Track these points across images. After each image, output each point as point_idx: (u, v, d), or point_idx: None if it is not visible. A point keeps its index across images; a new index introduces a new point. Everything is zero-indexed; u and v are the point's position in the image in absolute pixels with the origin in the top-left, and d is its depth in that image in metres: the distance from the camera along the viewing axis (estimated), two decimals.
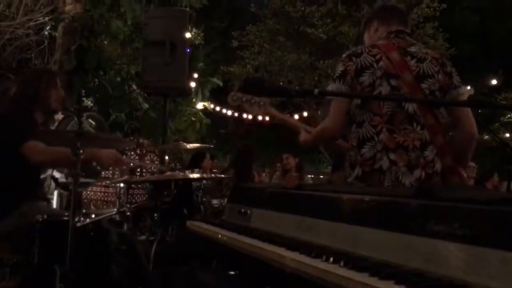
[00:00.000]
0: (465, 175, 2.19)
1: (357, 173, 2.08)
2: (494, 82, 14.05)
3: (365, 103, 2.11)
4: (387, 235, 1.14)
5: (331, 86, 2.17)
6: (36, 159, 2.61)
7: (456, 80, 2.19)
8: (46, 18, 6.15)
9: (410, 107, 2.06)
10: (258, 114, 3.25)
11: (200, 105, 9.29)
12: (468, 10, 18.63)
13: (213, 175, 4.04)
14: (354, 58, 2.13)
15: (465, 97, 2.21)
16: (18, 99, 2.82)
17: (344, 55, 2.20)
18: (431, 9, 12.64)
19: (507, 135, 14.61)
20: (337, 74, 2.17)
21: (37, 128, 2.76)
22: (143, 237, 2.73)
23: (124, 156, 5.12)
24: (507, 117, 15.42)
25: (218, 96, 11.78)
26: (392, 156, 2.03)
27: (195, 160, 6.38)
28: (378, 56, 2.11)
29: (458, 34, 15.43)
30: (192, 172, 3.12)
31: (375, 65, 2.09)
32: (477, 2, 18.17)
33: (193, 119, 8.72)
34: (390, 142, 2.03)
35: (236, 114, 12.26)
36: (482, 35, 18.78)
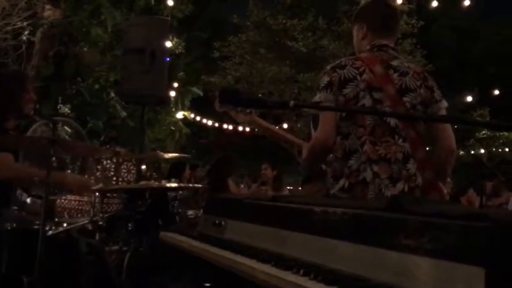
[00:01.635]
0: (445, 190, 2.20)
1: (343, 185, 2.07)
2: (469, 99, 14.33)
3: (350, 115, 2.12)
4: (359, 248, 1.14)
5: (318, 97, 2.15)
6: (3, 175, 2.53)
7: (437, 94, 2.21)
8: (25, 23, 6.06)
9: (392, 120, 2.07)
10: (244, 122, 3.26)
11: (180, 115, 9.25)
12: (445, 28, 19.06)
13: (188, 185, 4.00)
14: (338, 70, 2.14)
15: (445, 112, 2.23)
16: None
17: (328, 67, 2.21)
18: (409, 26, 12.89)
19: (482, 151, 14.90)
20: (323, 85, 2.16)
21: (8, 134, 2.68)
22: (116, 247, 2.69)
23: (100, 166, 5.07)
24: (482, 133, 15.73)
25: (198, 106, 11.75)
26: (375, 168, 2.03)
27: (175, 170, 6.33)
28: (361, 69, 2.12)
29: (436, 51, 15.76)
30: (167, 181, 3.08)
31: (358, 78, 2.11)
32: (454, 21, 18.61)
33: (172, 128, 8.67)
34: (373, 154, 2.04)
35: (216, 124, 12.24)
36: (458, 53, 19.24)
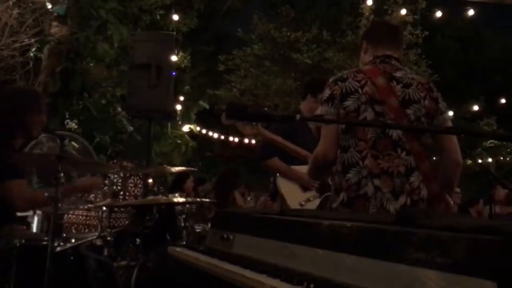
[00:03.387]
0: (451, 202, 2.19)
1: (342, 199, 2.07)
2: (475, 108, 14.30)
3: (350, 128, 2.11)
4: (368, 262, 1.13)
5: (320, 110, 2.16)
6: (19, 204, 2.49)
7: (442, 105, 2.18)
8: (32, 40, 6.14)
9: (395, 133, 2.05)
10: (251, 134, 3.28)
11: (186, 128, 9.29)
12: (450, 38, 19.07)
13: (196, 199, 4.00)
14: (339, 83, 2.14)
15: (450, 124, 2.22)
16: None
17: (330, 80, 2.20)
18: (414, 36, 12.91)
19: (490, 160, 14.81)
20: (324, 98, 2.16)
21: (15, 151, 2.66)
22: (124, 263, 2.68)
23: (107, 180, 5.09)
24: (489, 142, 15.65)
25: (204, 119, 11.80)
26: (377, 182, 2.02)
27: (178, 181, 6.34)
28: (363, 82, 2.11)
29: (441, 61, 15.76)
30: (175, 196, 3.08)
31: (360, 90, 2.09)
32: (458, 31, 18.62)
33: (178, 141, 8.71)
34: (375, 168, 2.02)
35: (222, 137, 12.28)
36: (463, 62, 19.22)
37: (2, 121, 2.63)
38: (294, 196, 3.48)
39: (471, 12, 7.85)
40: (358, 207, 2.01)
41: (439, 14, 8.92)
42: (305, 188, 3.46)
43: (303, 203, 3.47)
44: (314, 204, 3.47)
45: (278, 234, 1.53)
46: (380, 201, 2.00)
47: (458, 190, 6.98)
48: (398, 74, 2.17)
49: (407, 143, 2.04)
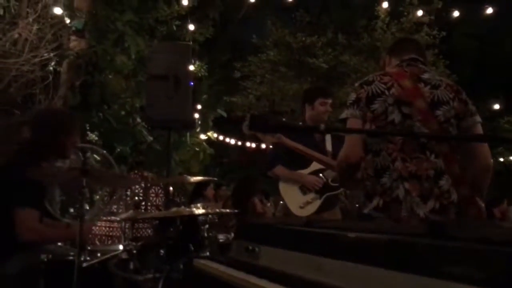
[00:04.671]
0: (482, 205, 2.14)
1: (377, 204, 2.04)
2: (496, 106, 14.06)
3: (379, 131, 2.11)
4: (399, 276, 1.11)
5: (345, 113, 2.14)
6: (24, 235, 2.38)
7: (472, 108, 2.15)
8: (51, 54, 6.24)
9: None
10: (272, 142, 3.33)
11: (203, 135, 9.33)
12: (466, 37, 18.82)
13: (220, 210, 4.00)
14: (365, 86, 2.13)
15: (480, 127, 2.17)
16: (29, 146, 2.62)
17: (356, 84, 2.20)
18: (431, 37, 12.77)
19: None
20: (350, 101, 2.15)
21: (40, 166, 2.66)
22: (150, 275, 2.69)
23: (129, 191, 5.13)
24: None
25: (220, 125, 11.82)
26: (406, 185, 1.99)
27: (199, 189, 6.38)
28: (389, 84, 2.10)
29: (458, 60, 15.55)
30: (197, 206, 3.08)
31: (386, 92, 2.08)
32: (475, 29, 18.37)
33: (196, 149, 8.75)
34: (404, 171, 2.00)
35: (239, 143, 12.28)
36: (481, 60, 18.94)
37: (39, 143, 2.63)
38: (294, 199, 3.58)
39: (489, 11, 7.73)
40: (392, 211, 1.98)
41: (456, 13, 8.82)
42: (304, 191, 3.56)
43: (302, 205, 3.53)
44: (314, 206, 3.54)
45: (306, 246, 1.51)
46: (410, 205, 1.97)
47: None
48: (425, 76, 2.15)
49: (436, 145, 2.01)
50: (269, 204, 9.25)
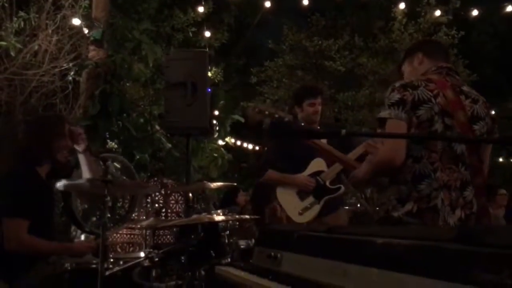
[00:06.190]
0: (492, 212, 2.23)
1: (411, 209, 2.03)
2: None
3: (422, 139, 2.11)
4: (427, 283, 1.08)
5: (388, 113, 2.09)
6: (12, 246, 2.40)
7: (496, 126, 2.21)
8: (70, 64, 6.33)
9: (460, 148, 2.04)
10: (257, 121, 3.28)
11: (221, 141, 9.35)
12: (485, 35, 18.56)
13: (240, 216, 4.00)
14: (410, 90, 2.09)
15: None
16: (22, 153, 2.67)
17: (397, 84, 2.15)
18: (450, 37, 12.60)
19: None
20: (393, 101, 2.09)
21: (40, 182, 2.65)
22: (173, 283, 2.69)
23: (149, 198, 5.17)
24: None
25: (238, 130, 11.85)
26: (442, 194, 2.02)
27: (229, 196, 6.37)
28: (435, 92, 2.09)
29: (478, 60, 15.34)
30: (217, 213, 3.08)
31: (433, 100, 2.06)
32: (493, 27, 18.10)
33: (215, 155, 8.77)
34: (441, 181, 2.03)
35: (257, 148, 12.27)
36: (501, 59, 18.63)
37: (28, 149, 2.67)
38: (292, 206, 3.49)
39: (509, 9, 7.61)
40: (427, 219, 2.00)
41: (475, 12, 8.70)
42: (302, 196, 3.47)
43: (301, 211, 3.45)
44: (314, 211, 3.45)
45: (329, 252, 1.50)
46: (443, 214, 2.00)
47: (504, 191, 6.73)
48: (465, 88, 2.18)
49: (468, 157, 2.04)
50: None
